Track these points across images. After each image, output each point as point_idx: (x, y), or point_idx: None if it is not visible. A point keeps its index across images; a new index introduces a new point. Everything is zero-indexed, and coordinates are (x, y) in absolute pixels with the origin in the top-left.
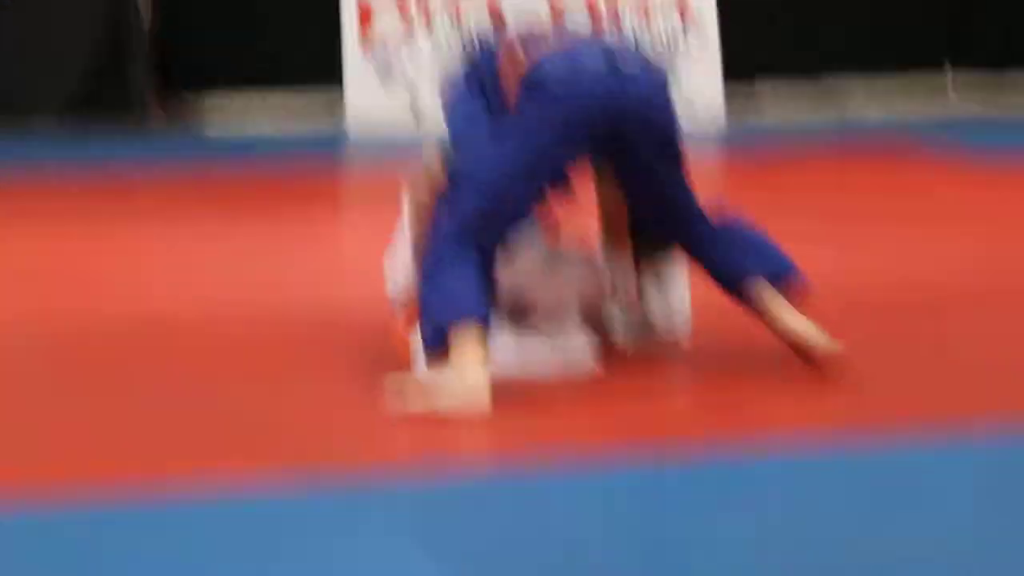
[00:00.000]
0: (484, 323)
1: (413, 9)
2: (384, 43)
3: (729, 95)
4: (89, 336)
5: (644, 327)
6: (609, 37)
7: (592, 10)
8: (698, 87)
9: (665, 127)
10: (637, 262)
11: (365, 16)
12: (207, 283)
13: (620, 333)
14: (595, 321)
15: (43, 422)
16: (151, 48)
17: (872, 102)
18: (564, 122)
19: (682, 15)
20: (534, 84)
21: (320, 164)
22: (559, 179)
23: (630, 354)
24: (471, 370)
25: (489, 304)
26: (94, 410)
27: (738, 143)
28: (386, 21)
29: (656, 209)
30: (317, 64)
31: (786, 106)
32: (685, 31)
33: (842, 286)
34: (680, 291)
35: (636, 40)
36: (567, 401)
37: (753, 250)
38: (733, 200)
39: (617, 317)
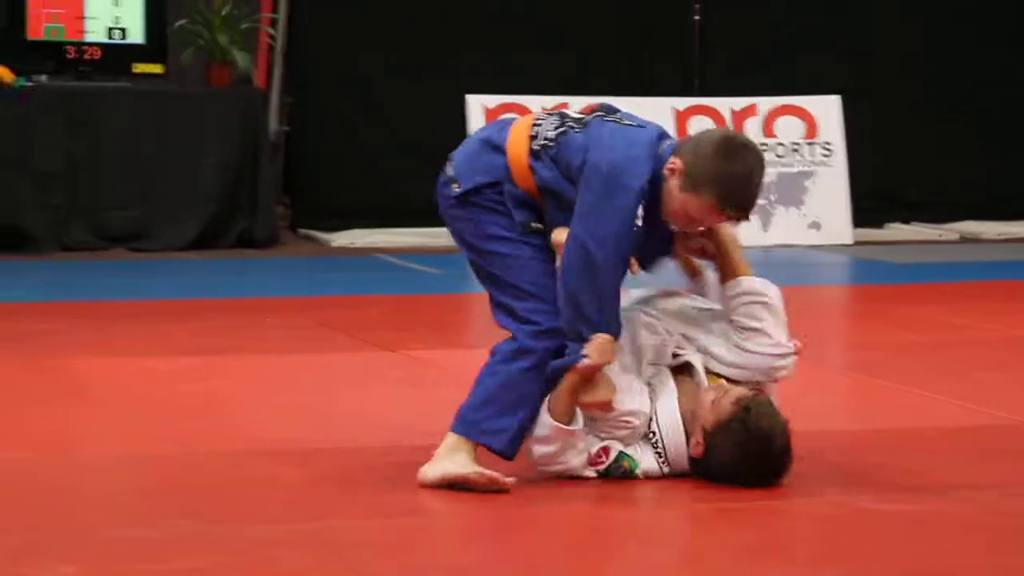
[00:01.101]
0: None
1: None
2: None
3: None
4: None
5: None
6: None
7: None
8: (825, 210)
9: (457, 233)
10: None
11: None
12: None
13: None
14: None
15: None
16: (283, 185)
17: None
18: None
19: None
20: None
21: (445, 292)
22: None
23: None
24: None
25: None
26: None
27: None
28: None
29: None
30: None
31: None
32: (812, 150)
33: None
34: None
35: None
36: None
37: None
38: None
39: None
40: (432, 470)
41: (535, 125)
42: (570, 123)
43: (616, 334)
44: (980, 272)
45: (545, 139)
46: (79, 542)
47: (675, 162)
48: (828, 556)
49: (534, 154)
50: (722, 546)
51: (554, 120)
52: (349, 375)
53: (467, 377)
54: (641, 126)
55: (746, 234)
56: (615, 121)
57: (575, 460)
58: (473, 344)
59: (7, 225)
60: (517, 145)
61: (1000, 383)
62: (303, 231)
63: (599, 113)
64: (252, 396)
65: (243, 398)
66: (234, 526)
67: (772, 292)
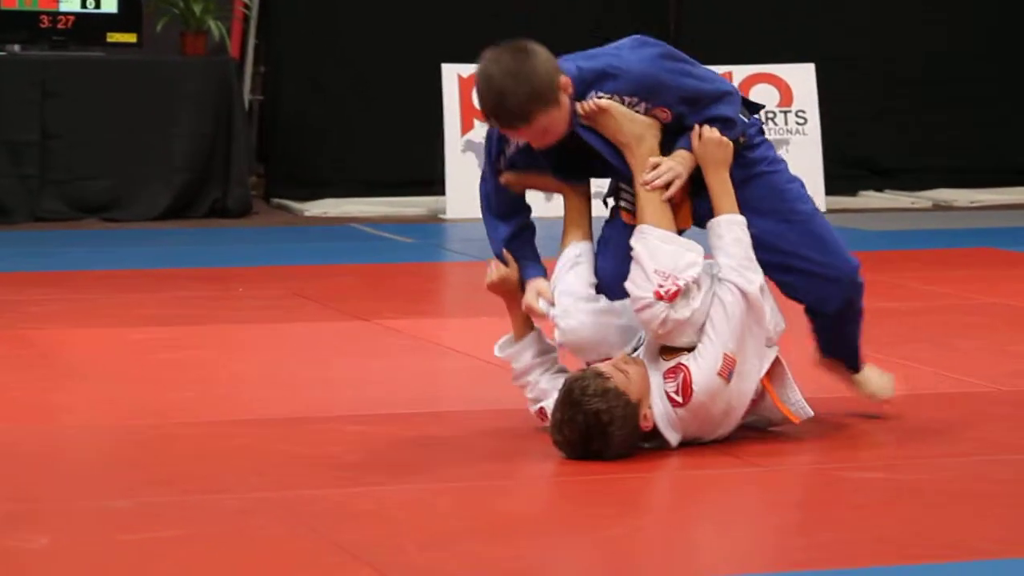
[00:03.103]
0: None
1: None
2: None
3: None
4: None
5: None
6: None
7: None
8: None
9: None
10: None
11: (467, 121)
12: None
13: None
14: None
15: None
16: (257, 155)
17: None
18: None
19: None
20: None
21: (419, 261)
22: None
23: None
24: None
25: None
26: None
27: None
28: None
29: None
30: (419, 172)
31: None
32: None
33: None
34: None
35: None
36: None
37: None
38: None
39: None
40: None
41: None
42: None
43: (496, 253)
44: (953, 240)
45: None
46: (54, 512)
47: None
48: (805, 523)
49: None
50: (698, 512)
51: None
52: (322, 345)
53: (440, 346)
54: None
55: None
56: None
57: (529, 395)
58: (447, 313)
59: None
60: None
61: (975, 350)
62: (276, 201)
63: None
64: (226, 366)
65: (216, 368)
66: (209, 496)
67: (727, 233)
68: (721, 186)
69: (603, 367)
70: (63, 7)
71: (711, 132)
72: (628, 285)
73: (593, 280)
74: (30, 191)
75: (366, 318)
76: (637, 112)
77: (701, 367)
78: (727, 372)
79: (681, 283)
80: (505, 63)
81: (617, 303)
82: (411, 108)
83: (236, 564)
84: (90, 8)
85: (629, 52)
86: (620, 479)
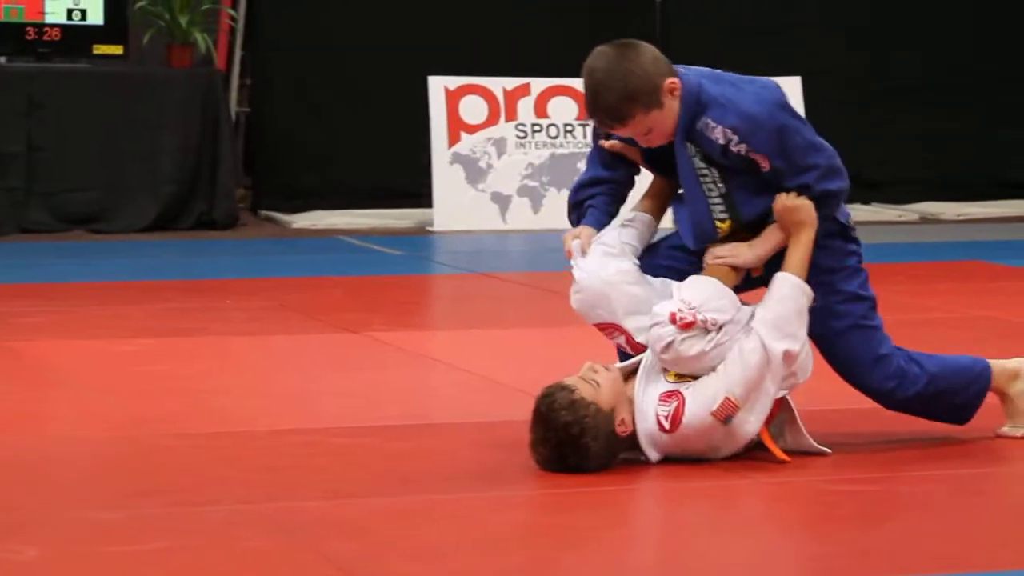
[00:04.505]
0: None
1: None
2: (472, 147)
3: None
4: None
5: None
6: None
7: None
8: None
9: None
10: None
11: (454, 133)
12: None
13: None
14: None
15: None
16: (244, 167)
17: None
18: None
19: None
20: None
21: (406, 273)
22: None
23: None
24: None
25: None
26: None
27: None
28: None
29: None
30: (406, 184)
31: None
32: None
33: None
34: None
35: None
36: None
37: None
38: None
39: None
40: None
41: None
42: None
43: (569, 197)
44: (940, 253)
45: None
46: (42, 523)
47: None
48: (793, 535)
49: None
50: (686, 525)
51: None
52: (310, 357)
53: (428, 358)
54: None
55: None
56: None
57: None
58: (435, 326)
59: None
60: None
61: None
62: (263, 213)
63: None
64: (213, 378)
65: (204, 380)
66: (196, 508)
67: (776, 290)
68: (796, 246)
69: (569, 380)
70: (49, 19)
71: (787, 198)
72: (656, 306)
73: (634, 244)
74: (16, 203)
75: (354, 330)
76: (737, 152)
77: (697, 402)
78: (724, 415)
79: (700, 317)
80: (606, 60)
81: (648, 275)
82: (398, 120)
83: None
84: (76, 20)
85: (752, 89)
86: (608, 491)
